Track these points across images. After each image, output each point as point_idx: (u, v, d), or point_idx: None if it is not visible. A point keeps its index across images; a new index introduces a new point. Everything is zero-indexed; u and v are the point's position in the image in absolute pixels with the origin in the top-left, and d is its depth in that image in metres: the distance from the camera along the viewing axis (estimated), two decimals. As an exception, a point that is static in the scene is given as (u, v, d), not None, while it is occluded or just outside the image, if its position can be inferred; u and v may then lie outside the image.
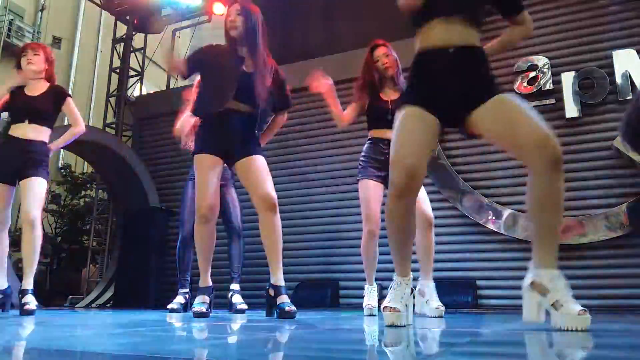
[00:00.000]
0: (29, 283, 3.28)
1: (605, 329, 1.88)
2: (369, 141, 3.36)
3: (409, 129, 1.89)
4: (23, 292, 3.26)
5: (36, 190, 3.35)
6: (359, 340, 1.66)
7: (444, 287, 5.06)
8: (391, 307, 1.93)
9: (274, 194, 2.71)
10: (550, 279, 1.84)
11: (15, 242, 4.70)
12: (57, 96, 3.53)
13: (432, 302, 2.98)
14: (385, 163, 3.17)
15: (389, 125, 3.26)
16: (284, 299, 2.65)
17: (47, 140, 3.50)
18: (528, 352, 1.33)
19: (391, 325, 1.90)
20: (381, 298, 5.63)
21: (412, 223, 2.00)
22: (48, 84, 3.55)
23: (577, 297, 1.82)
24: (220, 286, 3.88)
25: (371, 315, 3.21)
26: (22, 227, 3.39)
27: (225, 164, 2.89)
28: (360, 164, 3.33)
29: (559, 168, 1.75)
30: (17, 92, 3.48)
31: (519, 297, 1.93)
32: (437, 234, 5.58)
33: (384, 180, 3.17)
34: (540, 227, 1.89)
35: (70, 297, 8.06)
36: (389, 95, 3.36)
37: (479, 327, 2.23)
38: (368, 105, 3.37)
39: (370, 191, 3.21)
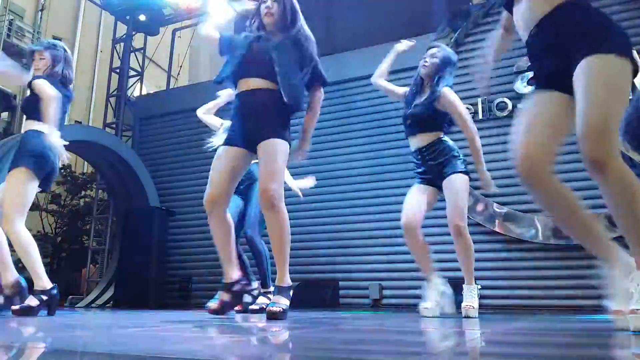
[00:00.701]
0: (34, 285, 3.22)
1: (609, 329, 1.87)
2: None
3: (531, 114, 1.75)
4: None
5: (10, 181, 3.06)
6: (374, 340, 1.66)
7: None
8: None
9: (271, 188, 2.47)
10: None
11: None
12: (30, 85, 3.25)
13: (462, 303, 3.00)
14: (424, 171, 3.18)
15: (409, 132, 3.26)
16: (275, 299, 2.55)
17: (38, 128, 3.14)
18: (528, 352, 1.33)
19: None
20: (379, 298, 5.65)
21: (564, 193, 1.76)
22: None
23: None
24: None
25: (467, 316, 2.95)
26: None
27: (251, 153, 2.66)
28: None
29: (601, 171, 1.57)
30: None
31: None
32: (437, 234, 5.58)
33: (432, 183, 3.17)
34: (622, 231, 1.69)
35: (70, 297, 8.05)
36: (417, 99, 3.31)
37: (479, 327, 2.23)
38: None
39: (412, 191, 3.22)
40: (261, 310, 3.46)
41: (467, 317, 2.87)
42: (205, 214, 2.64)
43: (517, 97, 5.45)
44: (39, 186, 3.18)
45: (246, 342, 1.56)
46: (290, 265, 2.64)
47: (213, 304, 2.64)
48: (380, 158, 6.05)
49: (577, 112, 1.58)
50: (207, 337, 1.74)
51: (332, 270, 5.89)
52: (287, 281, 2.59)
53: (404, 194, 3.24)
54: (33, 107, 3.14)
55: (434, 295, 3.01)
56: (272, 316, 2.44)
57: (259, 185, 2.56)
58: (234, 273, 2.62)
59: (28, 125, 3.21)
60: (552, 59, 1.73)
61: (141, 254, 6.56)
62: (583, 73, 1.59)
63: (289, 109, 2.63)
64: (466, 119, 3.10)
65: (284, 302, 2.53)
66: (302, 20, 2.77)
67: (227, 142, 2.65)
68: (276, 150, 2.54)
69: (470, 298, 2.97)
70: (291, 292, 2.63)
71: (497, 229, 5.20)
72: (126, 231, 7.01)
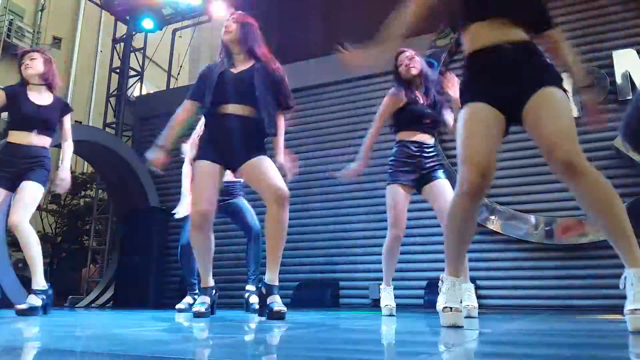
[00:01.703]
0: (34, 282, 3.31)
1: (608, 329, 1.87)
2: (398, 144, 3.31)
3: (476, 126, 1.86)
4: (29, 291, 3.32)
5: (24, 194, 3.29)
6: (377, 340, 1.66)
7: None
8: (452, 307, 1.91)
9: (286, 189, 2.65)
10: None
11: (15, 243, 4.70)
12: (62, 110, 3.59)
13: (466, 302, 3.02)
14: (415, 165, 3.19)
15: (419, 127, 3.26)
16: (274, 299, 2.60)
17: (48, 146, 3.52)
18: (528, 352, 1.33)
19: (451, 326, 1.87)
20: (377, 299, 5.65)
21: (475, 223, 1.96)
22: (52, 95, 3.57)
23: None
24: (238, 286, 3.87)
25: (391, 315, 3.24)
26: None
27: (229, 170, 2.87)
28: (389, 169, 3.31)
29: (578, 172, 1.68)
30: (21, 97, 3.42)
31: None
32: (436, 234, 5.56)
33: (414, 184, 3.20)
34: (604, 231, 1.75)
35: (70, 297, 8.05)
36: (420, 98, 3.32)
37: (479, 327, 2.23)
38: (401, 107, 3.30)
39: (398, 196, 3.19)
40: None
41: (469, 317, 2.89)
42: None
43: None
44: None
45: (246, 343, 1.56)
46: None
47: (200, 307, 2.88)
48: (380, 158, 6.04)
49: (545, 125, 1.76)
50: (207, 337, 1.74)
51: (332, 270, 5.89)
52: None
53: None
54: (52, 126, 3.49)
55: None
56: (279, 316, 2.51)
57: (272, 187, 2.65)
58: (211, 280, 2.97)
59: (41, 140, 3.45)
60: (510, 81, 1.87)
61: (141, 254, 6.55)
62: (547, 96, 1.81)
63: (263, 131, 2.80)
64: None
65: (281, 301, 2.63)
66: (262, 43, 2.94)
67: (209, 158, 2.78)
68: (269, 161, 2.75)
69: (473, 298, 3.02)
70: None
71: (497, 229, 5.20)
72: (126, 231, 7.01)
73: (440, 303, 1.97)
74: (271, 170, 2.70)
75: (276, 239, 2.64)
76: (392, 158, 3.31)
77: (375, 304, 5.67)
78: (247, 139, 2.76)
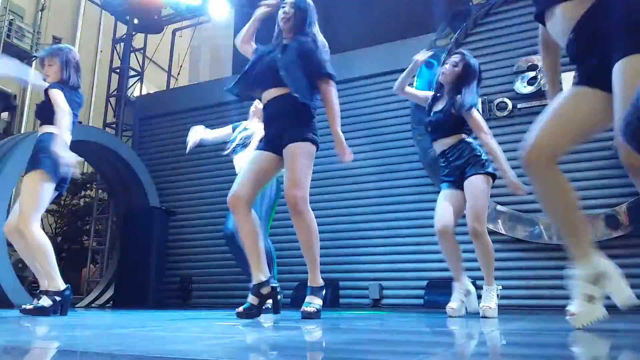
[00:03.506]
0: (41, 285, 3.23)
1: (609, 329, 1.87)
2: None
3: (561, 106, 1.77)
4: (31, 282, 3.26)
5: (27, 183, 3.10)
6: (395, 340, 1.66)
7: (444, 287, 5.08)
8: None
9: (295, 195, 2.57)
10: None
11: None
12: (46, 94, 3.28)
13: (479, 303, 3.10)
14: (449, 172, 3.22)
15: (433, 137, 3.28)
16: (309, 299, 2.66)
17: (51, 131, 3.19)
18: (528, 352, 1.33)
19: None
20: (379, 298, 5.65)
21: (559, 184, 1.77)
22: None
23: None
24: (239, 286, 3.84)
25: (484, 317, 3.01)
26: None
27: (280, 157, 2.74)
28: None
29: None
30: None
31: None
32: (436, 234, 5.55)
33: (455, 186, 3.21)
34: None
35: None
36: (440, 103, 3.32)
37: (479, 327, 2.23)
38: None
39: (441, 196, 3.26)
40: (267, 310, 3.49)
41: (485, 317, 2.94)
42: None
43: (517, 97, 5.45)
44: (55, 189, 3.23)
45: (246, 343, 1.56)
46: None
47: (241, 308, 2.60)
48: (381, 158, 6.05)
49: (616, 109, 1.59)
50: (207, 337, 1.74)
51: (332, 270, 5.89)
52: (319, 281, 2.72)
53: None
54: (48, 113, 3.19)
55: (460, 295, 3.12)
56: (308, 316, 2.53)
57: (285, 192, 2.63)
58: (261, 274, 2.61)
59: (43, 129, 3.25)
60: (591, 59, 1.72)
61: (141, 254, 6.55)
62: (619, 73, 1.58)
63: (305, 107, 2.68)
64: (488, 140, 3.13)
65: (317, 302, 2.64)
66: (316, 27, 2.87)
67: (260, 147, 2.79)
68: (297, 154, 2.63)
69: (489, 299, 3.06)
70: (324, 292, 2.76)
71: (497, 230, 5.19)
72: (126, 231, 7.01)
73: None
74: (291, 172, 2.62)
75: (303, 243, 2.66)
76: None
77: (375, 304, 5.67)
78: (286, 120, 2.68)
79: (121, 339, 1.56)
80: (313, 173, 2.75)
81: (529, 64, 5.41)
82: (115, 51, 8.74)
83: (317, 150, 2.73)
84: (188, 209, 6.98)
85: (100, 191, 8.82)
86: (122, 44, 8.70)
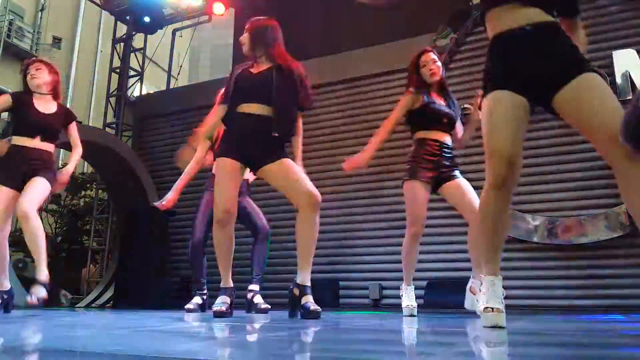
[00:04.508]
0: (38, 273, 3.36)
1: (609, 329, 1.87)
2: (418, 142, 3.31)
3: (501, 115, 1.83)
4: (32, 281, 3.37)
5: (34, 185, 3.36)
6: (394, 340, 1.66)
7: (444, 287, 5.08)
8: (493, 308, 1.84)
9: (319, 193, 2.70)
10: None
11: (16, 243, 4.71)
12: (67, 117, 3.70)
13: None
14: (435, 164, 3.20)
15: (439, 127, 3.28)
16: (308, 299, 2.65)
17: (52, 151, 3.62)
18: (528, 352, 1.33)
19: (494, 327, 1.82)
20: (379, 298, 5.65)
21: (507, 217, 1.92)
22: (56, 103, 3.65)
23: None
24: (240, 286, 3.88)
25: (412, 315, 3.24)
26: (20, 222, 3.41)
27: (249, 170, 2.91)
28: (407, 165, 3.32)
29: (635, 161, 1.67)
30: (26, 104, 3.49)
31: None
32: (436, 234, 5.56)
33: (432, 182, 3.20)
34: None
35: (71, 297, 8.05)
36: (437, 99, 3.34)
37: (480, 327, 2.23)
38: (419, 107, 3.29)
39: (418, 192, 3.19)
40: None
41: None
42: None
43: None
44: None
45: (246, 342, 1.56)
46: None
47: (221, 307, 2.82)
48: (380, 158, 6.04)
49: (600, 113, 1.75)
50: (207, 337, 1.74)
51: (332, 270, 5.89)
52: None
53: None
54: (56, 133, 3.62)
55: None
56: (315, 315, 2.56)
57: (306, 193, 2.69)
58: (230, 280, 2.95)
59: (45, 146, 3.53)
60: (540, 66, 1.82)
61: (141, 254, 6.55)
62: (588, 84, 1.78)
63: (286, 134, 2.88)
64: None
65: (313, 300, 2.67)
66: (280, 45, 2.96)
67: (230, 156, 2.79)
68: (292, 163, 2.79)
69: None
70: None
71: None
72: (126, 231, 7.01)
73: (481, 304, 1.90)
74: (301, 174, 2.75)
75: (309, 241, 2.70)
76: (411, 155, 3.32)
77: (375, 304, 5.67)
78: (268, 139, 2.77)
79: (121, 339, 1.56)
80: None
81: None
82: (115, 51, 8.73)
83: None
84: (188, 209, 6.97)
85: (100, 191, 8.81)
86: (122, 44, 8.70)
